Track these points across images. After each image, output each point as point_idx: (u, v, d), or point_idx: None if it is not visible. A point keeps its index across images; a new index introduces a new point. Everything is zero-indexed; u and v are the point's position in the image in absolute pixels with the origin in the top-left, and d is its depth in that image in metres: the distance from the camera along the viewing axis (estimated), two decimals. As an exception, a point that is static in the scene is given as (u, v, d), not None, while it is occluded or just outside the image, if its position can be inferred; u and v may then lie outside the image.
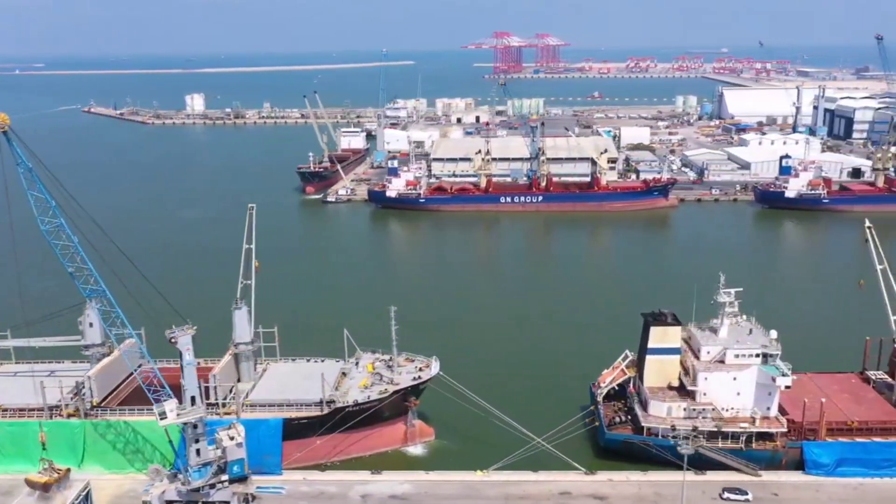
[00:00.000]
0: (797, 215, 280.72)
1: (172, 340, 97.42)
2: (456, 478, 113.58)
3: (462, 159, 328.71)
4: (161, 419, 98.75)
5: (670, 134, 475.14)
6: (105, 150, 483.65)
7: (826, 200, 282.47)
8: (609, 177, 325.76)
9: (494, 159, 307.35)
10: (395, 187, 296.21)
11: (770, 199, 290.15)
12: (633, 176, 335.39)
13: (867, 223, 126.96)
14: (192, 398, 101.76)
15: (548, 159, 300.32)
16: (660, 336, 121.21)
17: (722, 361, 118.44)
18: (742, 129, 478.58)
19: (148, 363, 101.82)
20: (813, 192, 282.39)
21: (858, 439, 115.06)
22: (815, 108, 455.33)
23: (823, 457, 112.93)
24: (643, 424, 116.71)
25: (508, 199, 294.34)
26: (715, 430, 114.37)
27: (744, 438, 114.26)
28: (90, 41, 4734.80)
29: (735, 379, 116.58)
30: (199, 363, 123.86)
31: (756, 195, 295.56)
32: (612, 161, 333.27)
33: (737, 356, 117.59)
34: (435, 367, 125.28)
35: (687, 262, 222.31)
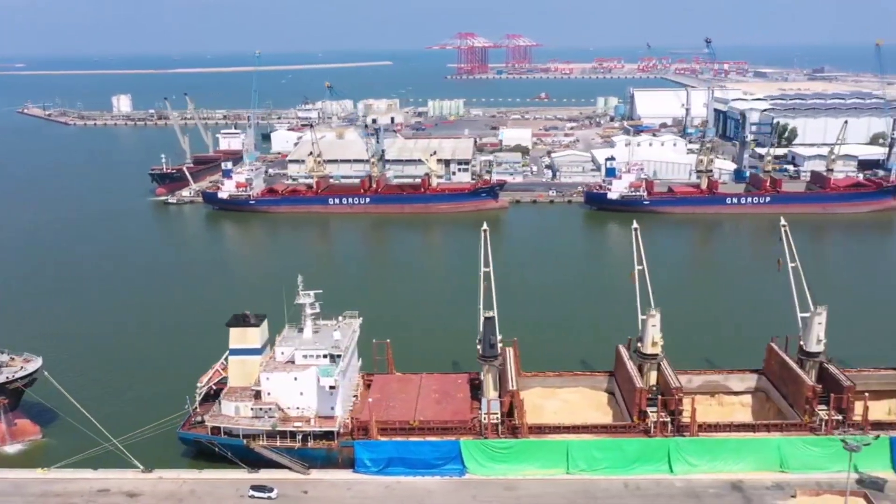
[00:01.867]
0: (619, 216, 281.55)
1: None
2: (13, 475, 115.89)
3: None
4: None
5: (566, 135, 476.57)
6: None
7: (647, 202, 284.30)
8: (461, 178, 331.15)
9: (327, 161, 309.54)
10: (227, 189, 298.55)
11: (596, 201, 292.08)
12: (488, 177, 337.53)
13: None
14: None
15: (381, 160, 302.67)
16: (239, 337, 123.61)
17: (293, 362, 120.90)
18: (640, 130, 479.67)
19: None
20: (634, 193, 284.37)
21: (414, 438, 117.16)
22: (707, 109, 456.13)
23: (369, 455, 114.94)
24: (208, 423, 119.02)
25: (337, 201, 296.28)
26: (270, 429, 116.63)
27: (300, 437, 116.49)
28: (86, 41, 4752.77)
29: (296, 379, 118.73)
30: None
31: (585, 197, 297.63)
32: (464, 163, 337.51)
33: (304, 357, 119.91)
34: (30, 367, 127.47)
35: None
